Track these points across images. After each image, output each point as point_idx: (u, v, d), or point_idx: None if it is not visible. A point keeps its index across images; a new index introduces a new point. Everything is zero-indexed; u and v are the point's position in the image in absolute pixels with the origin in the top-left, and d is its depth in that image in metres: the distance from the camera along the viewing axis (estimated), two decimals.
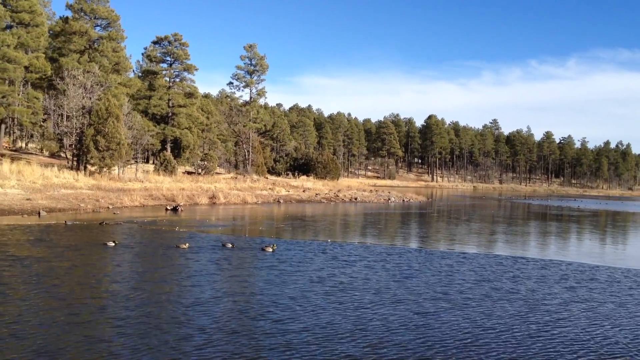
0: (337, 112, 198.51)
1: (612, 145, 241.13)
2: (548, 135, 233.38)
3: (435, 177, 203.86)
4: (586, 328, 13.07)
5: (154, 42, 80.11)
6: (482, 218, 49.03)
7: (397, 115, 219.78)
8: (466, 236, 32.99)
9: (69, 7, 61.09)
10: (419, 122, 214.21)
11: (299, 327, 12.04)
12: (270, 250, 21.96)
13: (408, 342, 11.46)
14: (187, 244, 22.26)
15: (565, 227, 43.74)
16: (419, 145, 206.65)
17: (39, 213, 32.28)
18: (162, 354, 9.91)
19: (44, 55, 60.57)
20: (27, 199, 35.95)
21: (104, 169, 50.82)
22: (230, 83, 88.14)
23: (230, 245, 22.75)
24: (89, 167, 51.29)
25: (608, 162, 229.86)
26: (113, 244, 21.92)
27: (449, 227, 39.44)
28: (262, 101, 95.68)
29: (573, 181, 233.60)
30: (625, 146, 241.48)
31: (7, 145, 65.07)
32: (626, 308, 15.37)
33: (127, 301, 13.46)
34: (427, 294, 15.90)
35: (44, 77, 60.67)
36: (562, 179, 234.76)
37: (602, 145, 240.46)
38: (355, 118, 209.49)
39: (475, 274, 19.42)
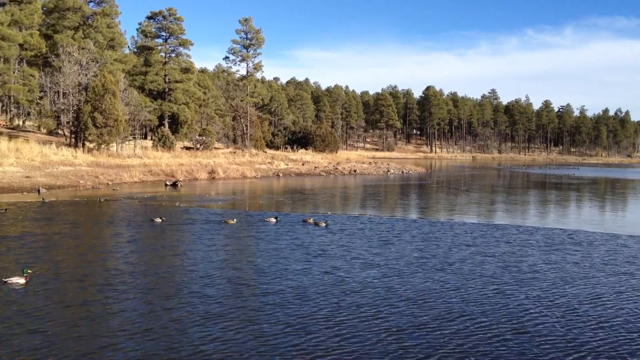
0: (335, 85, 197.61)
1: (611, 113, 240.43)
2: (547, 104, 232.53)
3: (434, 148, 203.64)
4: (549, 287, 13.58)
5: (149, 17, 79.30)
6: (481, 188, 49.14)
7: (395, 87, 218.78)
8: (462, 206, 33.10)
9: None
10: (417, 94, 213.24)
11: (272, 289, 12.69)
12: (324, 224, 22.32)
13: (366, 299, 12.11)
14: (234, 220, 22.72)
15: (563, 195, 43.88)
16: (418, 116, 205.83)
17: (39, 190, 32.30)
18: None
19: (38, 32, 60.00)
20: (26, 177, 35.95)
21: (102, 146, 50.64)
22: (227, 57, 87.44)
23: (273, 220, 23.19)
24: (87, 144, 51.11)
25: (607, 130, 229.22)
26: (160, 220, 22.34)
27: (447, 197, 39.56)
28: (259, 75, 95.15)
29: (572, 149, 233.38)
30: (624, 113, 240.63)
31: (4, 123, 64.83)
32: (597, 268, 15.80)
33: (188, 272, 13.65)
34: (401, 259, 16.30)
35: (39, 54, 60.16)
36: (561, 147, 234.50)
37: (601, 113, 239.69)
38: (353, 90, 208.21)
39: (457, 240, 19.76)
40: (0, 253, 15.81)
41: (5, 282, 12.10)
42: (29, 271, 12.39)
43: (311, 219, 23.30)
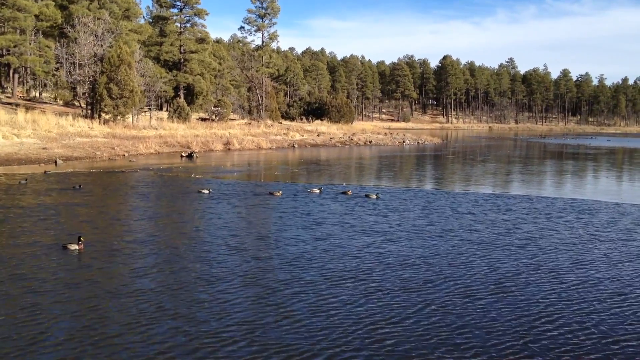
0: (351, 55, 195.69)
1: (631, 82, 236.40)
2: (565, 73, 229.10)
3: (450, 118, 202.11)
4: (540, 253, 13.94)
5: None
6: (497, 158, 48.99)
7: (412, 56, 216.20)
8: (477, 177, 33.24)
9: None
10: (434, 63, 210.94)
11: (266, 255, 13.24)
12: (374, 197, 22.59)
13: (353, 265, 12.49)
14: (280, 192, 23.14)
15: (577, 165, 43.72)
16: (434, 86, 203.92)
17: (56, 162, 32.77)
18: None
19: (53, 3, 60.16)
20: (43, 148, 36.42)
21: (118, 117, 50.98)
22: (242, 27, 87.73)
23: (317, 191, 23.72)
24: (103, 115, 51.46)
25: (626, 99, 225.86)
26: (207, 192, 22.90)
27: (462, 168, 39.57)
28: (274, 45, 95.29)
29: (590, 119, 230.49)
30: None
31: (21, 95, 65.37)
32: (592, 235, 16.12)
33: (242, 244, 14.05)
34: (401, 227, 16.66)
35: (54, 25, 60.40)
36: (579, 117, 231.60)
37: (620, 82, 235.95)
38: (369, 60, 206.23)
39: (459, 209, 20.11)
40: (43, 221, 16.49)
41: (65, 247, 13.32)
42: (82, 240, 13.47)
43: (349, 191, 23.83)
